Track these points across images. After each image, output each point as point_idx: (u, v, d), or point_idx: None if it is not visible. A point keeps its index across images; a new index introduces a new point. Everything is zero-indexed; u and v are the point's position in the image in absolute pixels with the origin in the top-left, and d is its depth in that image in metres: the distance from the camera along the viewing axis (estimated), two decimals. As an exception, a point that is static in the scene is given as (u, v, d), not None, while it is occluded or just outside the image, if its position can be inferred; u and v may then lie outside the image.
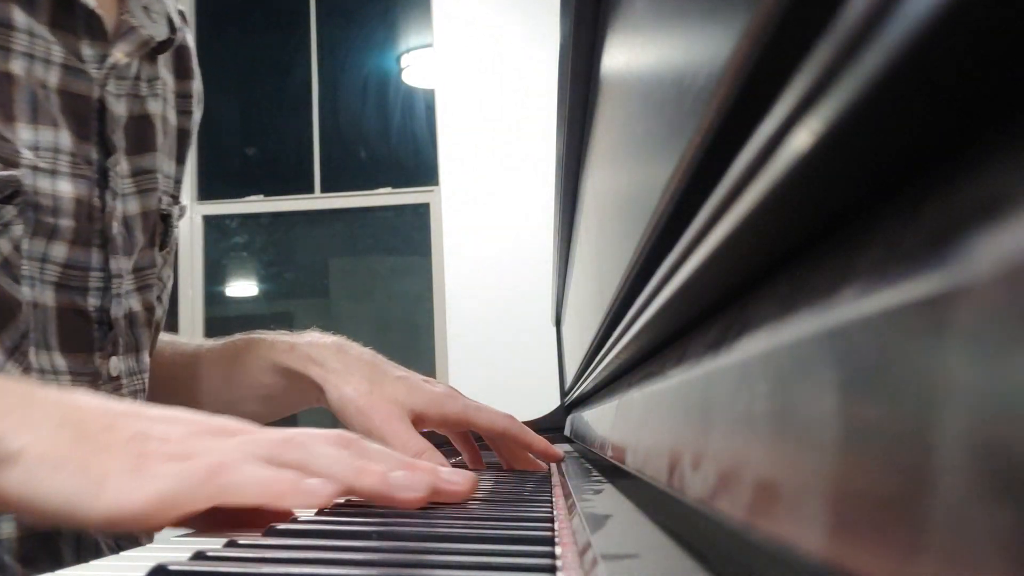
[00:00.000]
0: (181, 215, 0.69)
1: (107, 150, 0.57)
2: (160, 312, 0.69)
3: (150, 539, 0.60)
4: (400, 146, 3.40)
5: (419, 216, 3.22)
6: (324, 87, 3.38)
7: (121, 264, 0.59)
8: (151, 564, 0.26)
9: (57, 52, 0.54)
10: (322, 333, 0.70)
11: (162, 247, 0.66)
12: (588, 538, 0.27)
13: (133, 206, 0.60)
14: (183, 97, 0.68)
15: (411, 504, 0.41)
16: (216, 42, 3.43)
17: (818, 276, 0.14)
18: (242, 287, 3.55)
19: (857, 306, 0.12)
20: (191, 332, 3.16)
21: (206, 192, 3.30)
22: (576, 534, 0.31)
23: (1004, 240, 0.08)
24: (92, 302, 0.57)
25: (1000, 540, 0.07)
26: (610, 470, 0.49)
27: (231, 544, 0.31)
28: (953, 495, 0.08)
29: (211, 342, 0.76)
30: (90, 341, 0.57)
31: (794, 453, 0.13)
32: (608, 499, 0.38)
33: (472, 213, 3.06)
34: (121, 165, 0.59)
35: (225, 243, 3.44)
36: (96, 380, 0.57)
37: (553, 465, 0.71)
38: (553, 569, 0.27)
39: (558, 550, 0.29)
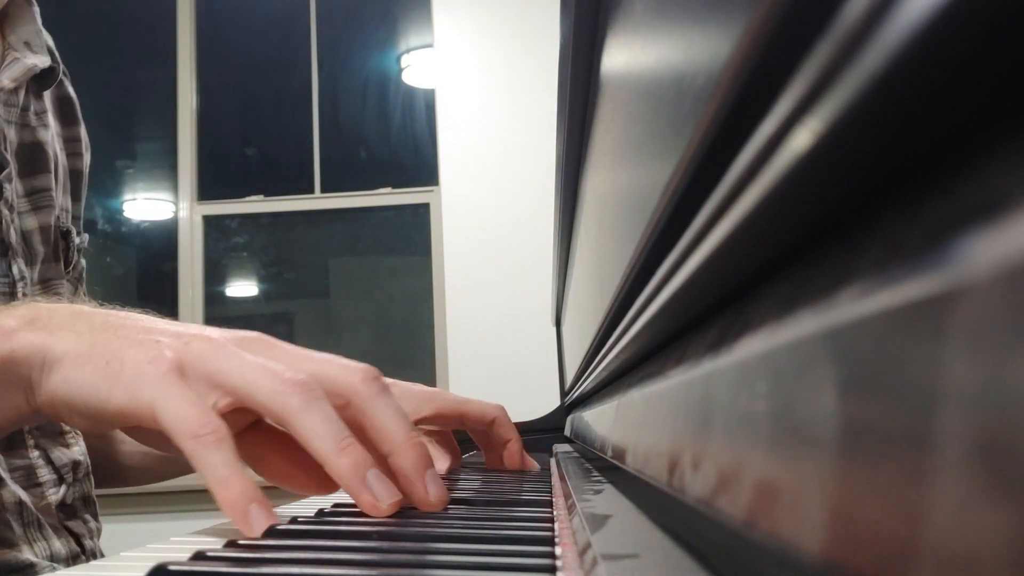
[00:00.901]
0: (82, 246, 0.73)
1: (0, 167, 0.60)
2: None
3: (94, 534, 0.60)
4: (400, 146, 3.40)
5: (419, 216, 3.22)
6: (324, 87, 3.38)
7: (25, 271, 0.62)
8: (151, 564, 0.26)
9: None
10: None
11: (66, 264, 0.68)
12: (588, 538, 0.27)
13: (30, 222, 0.64)
14: (71, 141, 0.73)
15: (371, 511, 0.38)
16: (216, 42, 3.43)
17: (818, 276, 0.14)
18: (242, 287, 3.55)
19: (857, 306, 0.12)
20: (191, 332, 3.15)
21: (206, 192, 3.30)
22: (576, 534, 0.31)
23: (1004, 240, 0.08)
24: None
25: (1000, 540, 0.07)
26: (610, 470, 0.49)
27: (231, 544, 0.31)
28: (953, 495, 0.08)
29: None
30: None
31: (794, 453, 0.13)
32: (608, 499, 0.38)
33: (472, 213, 3.06)
34: (15, 184, 0.62)
35: (225, 243, 3.43)
36: None
37: (553, 465, 0.71)
38: (553, 569, 0.27)
39: (558, 550, 0.29)
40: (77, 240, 0.71)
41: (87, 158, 0.75)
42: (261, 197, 3.29)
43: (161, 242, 3.30)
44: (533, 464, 0.69)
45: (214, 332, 0.41)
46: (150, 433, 0.40)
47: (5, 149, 0.61)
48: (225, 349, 0.39)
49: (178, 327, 0.42)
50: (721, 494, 0.17)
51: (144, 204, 3.44)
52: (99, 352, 0.39)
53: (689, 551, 0.23)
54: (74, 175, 0.73)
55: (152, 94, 3.48)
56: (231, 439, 0.37)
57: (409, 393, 0.65)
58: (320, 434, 0.38)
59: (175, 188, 3.28)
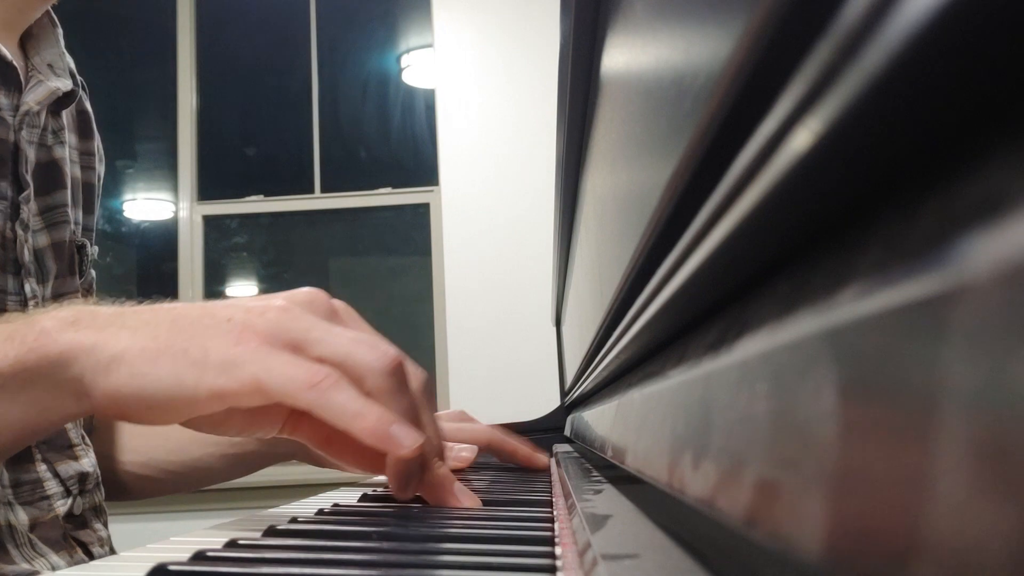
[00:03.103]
0: (94, 257, 0.74)
1: (20, 187, 0.62)
2: None
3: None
4: (400, 146, 3.40)
5: (419, 216, 3.21)
6: (324, 87, 3.38)
7: (36, 289, 0.63)
8: (151, 564, 0.26)
9: None
10: None
11: (80, 277, 0.70)
12: (588, 538, 0.27)
13: (42, 240, 0.65)
14: (86, 155, 0.74)
15: (405, 453, 0.39)
16: (216, 42, 3.43)
17: (818, 276, 0.14)
18: (242, 287, 3.55)
19: (857, 306, 0.12)
20: (191, 332, 3.15)
21: (206, 192, 3.30)
22: (576, 534, 0.31)
23: (1004, 240, 0.08)
24: None
25: (1000, 540, 0.07)
26: (610, 470, 0.49)
27: (231, 544, 0.31)
28: (953, 495, 0.08)
29: None
30: None
31: (794, 453, 0.13)
32: (608, 499, 0.38)
33: (472, 213, 3.06)
34: (31, 204, 0.63)
35: (225, 243, 3.43)
36: None
37: (553, 465, 0.71)
38: (553, 569, 0.27)
39: (558, 550, 0.29)
40: (88, 250, 0.72)
41: (100, 170, 0.77)
42: (261, 197, 3.29)
43: (161, 242, 3.30)
44: (543, 461, 0.70)
45: (274, 299, 0.42)
46: (227, 418, 0.41)
47: (26, 171, 0.62)
48: (296, 315, 0.41)
49: (236, 303, 0.42)
50: (721, 494, 0.17)
51: (144, 204, 3.44)
52: (169, 344, 0.39)
53: (689, 551, 0.23)
54: (86, 188, 0.74)
55: (152, 94, 3.48)
56: (346, 379, 0.39)
57: None
58: (345, 413, 0.39)
59: (175, 188, 3.28)
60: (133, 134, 3.55)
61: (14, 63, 0.62)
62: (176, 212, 3.27)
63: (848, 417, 0.11)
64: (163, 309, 0.42)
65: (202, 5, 3.37)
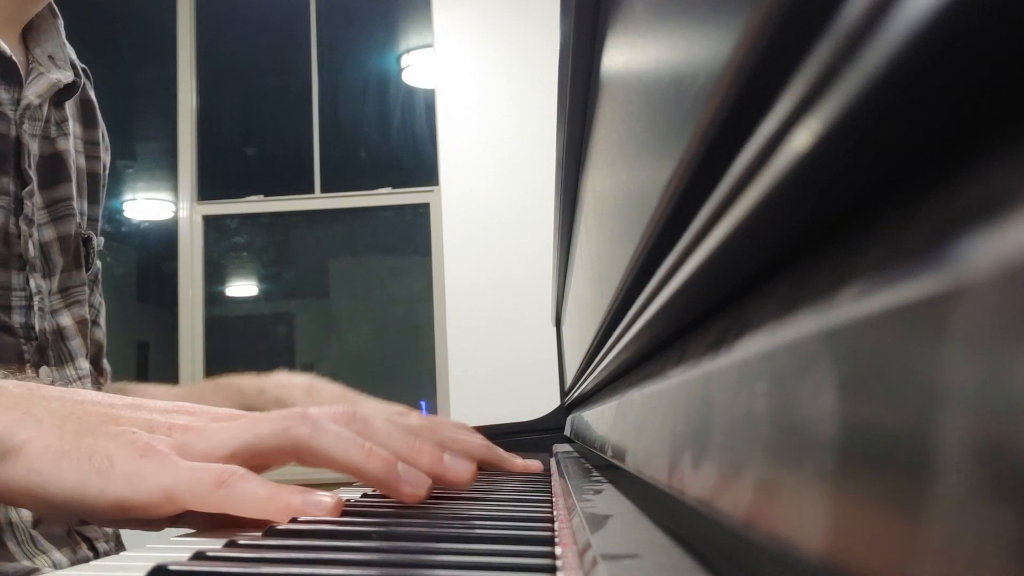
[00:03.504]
0: (99, 248, 0.75)
1: (23, 182, 0.62)
2: (100, 334, 0.75)
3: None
4: (400, 146, 3.40)
5: (419, 216, 3.21)
6: (324, 87, 3.38)
7: (41, 284, 0.63)
8: (151, 564, 0.26)
9: None
10: (291, 373, 0.72)
11: (86, 269, 0.70)
12: (588, 538, 0.27)
13: (48, 233, 0.65)
14: (90, 144, 0.74)
15: (412, 500, 0.41)
16: (216, 42, 3.43)
17: (818, 276, 0.14)
18: (242, 287, 3.55)
19: (857, 306, 0.12)
20: (191, 333, 3.16)
21: (206, 192, 3.30)
22: (576, 534, 0.31)
23: (1004, 240, 0.08)
24: (17, 319, 0.62)
25: (999, 541, 0.07)
26: (610, 470, 0.49)
27: (231, 544, 0.31)
28: (953, 495, 0.08)
29: (178, 388, 0.81)
30: (19, 354, 0.62)
31: (794, 453, 0.13)
32: (608, 499, 0.38)
33: (472, 213, 3.06)
34: (35, 197, 0.63)
35: (225, 243, 3.43)
36: None
37: (553, 465, 0.71)
38: (553, 569, 0.27)
39: (558, 550, 0.29)
40: (95, 241, 0.73)
41: (106, 159, 0.77)
42: (261, 197, 3.29)
43: (161, 242, 3.30)
44: (535, 466, 0.70)
45: (185, 411, 0.42)
46: (130, 524, 0.40)
47: (29, 165, 0.62)
48: (209, 423, 0.41)
49: (144, 409, 0.41)
50: (721, 494, 0.17)
51: (144, 204, 3.45)
52: (75, 446, 0.38)
53: (689, 551, 0.23)
54: (91, 177, 0.74)
55: (152, 94, 3.48)
56: (250, 471, 0.38)
57: (391, 412, 0.66)
58: (343, 448, 0.40)
59: (175, 188, 3.28)
60: (133, 134, 3.55)
61: (14, 58, 0.62)
62: (176, 212, 3.27)
63: (848, 417, 0.11)
64: (72, 401, 0.41)
65: (202, 5, 3.37)
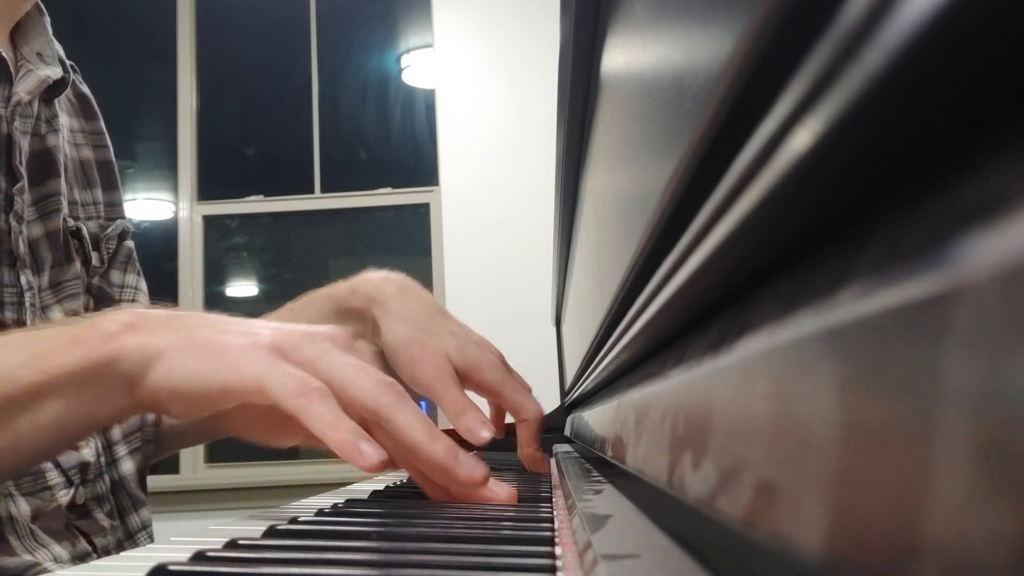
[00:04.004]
0: (126, 231, 0.77)
1: (14, 179, 0.63)
2: None
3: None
4: (400, 146, 3.40)
5: (419, 216, 3.21)
6: (324, 87, 3.38)
7: (32, 280, 0.64)
8: (151, 564, 0.26)
9: None
10: (380, 271, 0.74)
11: (86, 260, 0.71)
12: (588, 538, 0.27)
13: (36, 230, 0.66)
14: (96, 134, 0.76)
15: (469, 483, 0.45)
16: (216, 42, 3.43)
17: (818, 276, 0.14)
18: (242, 287, 3.55)
19: (857, 306, 0.12)
20: (191, 332, 3.15)
21: (206, 192, 3.30)
22: (576, 534, 0.31)
23: (1004, 240, 0.08)
24: (8, 315, 0.62)
25: (1000, 541, 0.07)
26: (610, 470, 0.49)
27: (231, 544, 0.31)
28: (953, 495, 0.08)
29: (275, 312, 0.82)
30: None
31: (794, 453, 0.13)
32: (608, 499, 0.38)
33: (472, 213, 3.06)
34: (25, 194, 0.64)
35: (225, 243, 3.43)
36: None
37: (553, 465, 0.71)
38: (553, 569, 0.27)
39: (558, 550, 0.29)
40: (110, 228, 0.74)
41: (111, 148, 0.78)
42: (261, 197, 3.29)
43: (161, 242, 3.30)
44: (542, 468, 0.70)
45: (303, 327, 0.47)
46: (251, 422, 0.47)
47: (20, 163, 0.63)
48: (319, 343, 0.45)
49: (270, 323, 0.47)
50: (721, 494, 0.17)
51: (144, 204, 3.44)
52: (198, 343, 0.44)
53: (689, 551, 0.23)
54: (106, 165, 0.76)
55: (152, 94, 3.48)
56: (332, 396, 0.42)
57: (469, 349, 0.68)
58: (414, 426, 0.44)
59: (175, 188, 3.28)
60: (133, 134, 3.54)
61: (3, 55, 0.62)
62: (176, 212, 3.27)
63: (848, 417, 0.11)
64: (207, 316, 0.47)
65: (202, 5, 3.37)
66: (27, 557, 0.57)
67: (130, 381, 0.45)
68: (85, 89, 0.76)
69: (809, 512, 0.12)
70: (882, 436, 0.10)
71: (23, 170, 0.63)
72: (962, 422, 0.08)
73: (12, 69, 0.63)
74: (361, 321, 0.70)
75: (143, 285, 0.78)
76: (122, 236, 0.76)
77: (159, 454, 0.76)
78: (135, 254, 0.78)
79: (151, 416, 0.72)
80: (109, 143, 0.77)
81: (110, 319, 0.46)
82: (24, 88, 0.63)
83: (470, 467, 0.45)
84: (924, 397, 0.09)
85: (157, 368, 0.44)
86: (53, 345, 0.45)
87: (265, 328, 0.46)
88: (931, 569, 0.09)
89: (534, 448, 0.70)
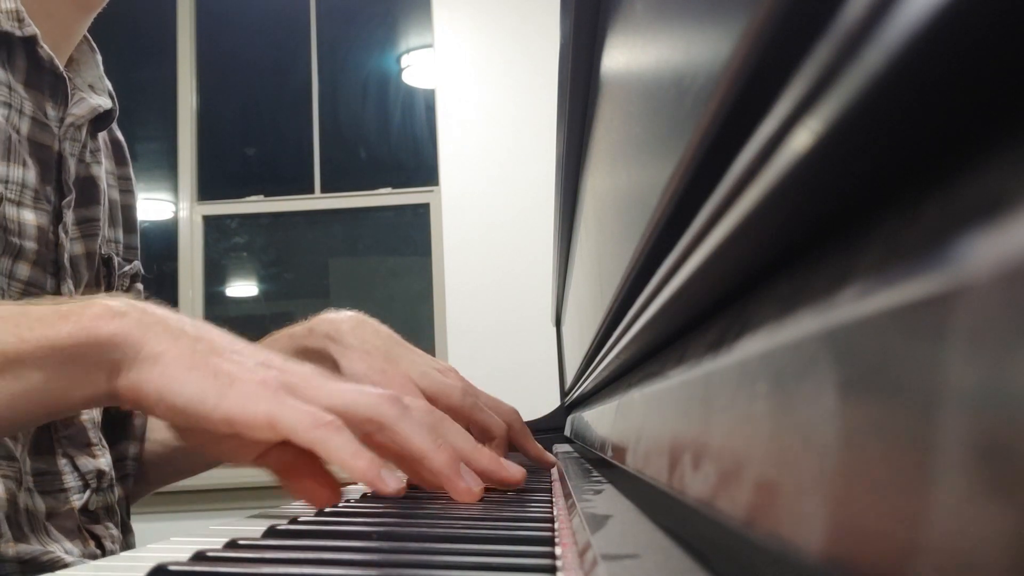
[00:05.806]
0: (139, 274, 0.78)
1: (63, 193, 0.65)
2: None
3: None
4: (400, 146, 3.40)
5: (419, 216, 3.21)
6: (324, 87, 3.38)
7: (72, 291, 0.65)
8: (151, 564, 0.26)
9: (28, 106, 0.62)
10: (338, 311, 0.74)
11: (108, 289, 0.72)
12: (588, 538, 0.27)
13: (78, 248, 0.68)
14: (124, 179, 0.79)
15: (467, 497, 0.46)
16: (216, 42, 3.43)
17: (818, 276, 0.14)
18: (242, 287, 3.55)
19: (857, 306, 0.12)
20: (191, 332, 3.15)
21: (206, 192, 3.30)
22: (576, 534, 0.31)
23: (1004, 240, 0.08)
24: None
25: (1000, 540, 0.07)
26: (610, 470, 0.49)
27: (231, 544, 0.31)
28: (953, 495, 0.08)
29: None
30: None
31: (794, 453, 0.13)
32: (608, 499, 0.38)
33: (472, 213, 3.06)
34: (71, 211, 0.66)
35: (225, 243, 3.43)
36: None
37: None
38: (553, 569, 0.27)
39: (558, 550, 0.29)
40: (127, 267, 0.76)
41: (136, 195, 0.81)
42: (261, 197, 3.29)
43: (161, 242, 3.29)
44: (550, 460, 0.70)
45: (295, 364, 0.48)
46: (220, 442, 0.46)
47: (69, 177, 0.65)
48: (316, 377, 0.46)
49: (263, 355, 0.47)
50: (721, 494, 0.17)
51: (144, 204, 3.44)
52: (203, 364, 0.44)
53: (689, 551, 0.23)
54: (128, 210, 0.78)
55: (152, 94, 3.48)
56: (347, 428, 0.43)
57: (431, 375, 0.68)
58: (418, 435, 0.46)
59: (175, 188, 3.28)
60: (133, 134, 3.53)
61: (64, 75, 0.64)
62: (176, 212, 3.27)
63: (848, 417, 0.11)
64: (206, 328, 0.47)
65: (202, 5, 3.37)
66: (40, 547, 0.58)
67: (112, 368, 0.45)
68: (119, 135, 0.79)
69: (809, 512, 0.12)
70: (882, 436, 0.10)
71: (72, 187, 0.65)
72: (962, 422, 0.08)
73: (69, 91, 0.65)
74: (320, 360, 0.70)
75: None
76: (134, 278, 0.78)
77: (140, 490, 0.77)
78: (142, 296, 0.79)
79: (132, 450, 0.73)
80: (135, 189, 0.80)
81: (103, 303, 0.46)
82: (78, 112, 0.66)
83: (469, 480, 0.46)
84: (924, 397, 0.09)
85: (152, 370, 0.44)
86: (41, 317, 0.45)
87: (268, 364, 0.46)
88: (931, 569, 0.09)
89: (535, 451, 0.71)
